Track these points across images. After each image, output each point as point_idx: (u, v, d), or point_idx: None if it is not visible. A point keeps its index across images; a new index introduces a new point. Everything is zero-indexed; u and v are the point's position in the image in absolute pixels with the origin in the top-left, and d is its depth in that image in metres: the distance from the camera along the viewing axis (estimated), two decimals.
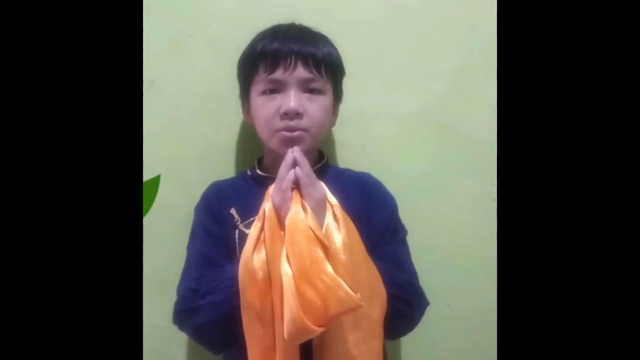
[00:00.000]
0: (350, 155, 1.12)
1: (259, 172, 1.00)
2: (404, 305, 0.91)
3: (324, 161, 1.02)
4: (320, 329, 0.78)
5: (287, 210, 0.83)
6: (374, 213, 0.96)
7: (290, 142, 0.91)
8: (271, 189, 0.88)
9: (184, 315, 0.90)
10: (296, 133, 0.92)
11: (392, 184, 1.02)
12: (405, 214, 1.01)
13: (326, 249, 0.80)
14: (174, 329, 0.94)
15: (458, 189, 1.13)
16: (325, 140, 1.09)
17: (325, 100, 0.96)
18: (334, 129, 1.08)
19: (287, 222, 0.83)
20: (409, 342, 1.11)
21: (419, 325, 0.97)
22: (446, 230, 1.13)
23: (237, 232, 0.93)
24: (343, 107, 1.04)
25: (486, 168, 1.02)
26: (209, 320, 0.87)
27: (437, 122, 1.13)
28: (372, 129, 1.12)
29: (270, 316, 0.83)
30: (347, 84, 1.03)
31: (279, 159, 0.90)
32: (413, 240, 1.01)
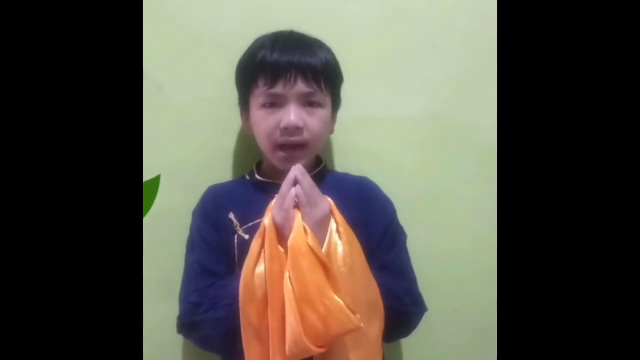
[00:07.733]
0: (354, 160, 1.11)
1: (258, 177, 0.99)
2: (401, 316, 0.91)
3: (320, 167, 1.01)
4: (321, 350, 0.80)
5: (290, 229, 0.83)
6: (372, 218, 0.95)
7: (291, 161, 0.91)
8: (272, 204, 0.87)
9: (187, 328, 0.92)
10: (295, 152, 0.93)
11: (395, 188, 1.02)
12: (408, 218, 1.01)
13: (328, 270, 0.81)
14: (175, 332, 0.94)
15: (461, 193, 1.12)
16: (328, 145, 1.09)
17: (324, 112, 0.95)
18: (338, 134, 1.07)
19: (289, 243, 0.82)
20: (410, 347, 1.11)
21: (421, 330, 0.97)
22: (448, 234, 1.12)
23: (236, 237, 0.92)
24: (348, 112, 1.04)
25: (489, 173, 1.02)
26: (212, 334, 0.89)
27: (441, 127, 1.12)
28: (376, 133, 1.12)
29: (268, 333, 0.83)
30: (352, 89, 1.03)
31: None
32: (415, 244, 1.00)
